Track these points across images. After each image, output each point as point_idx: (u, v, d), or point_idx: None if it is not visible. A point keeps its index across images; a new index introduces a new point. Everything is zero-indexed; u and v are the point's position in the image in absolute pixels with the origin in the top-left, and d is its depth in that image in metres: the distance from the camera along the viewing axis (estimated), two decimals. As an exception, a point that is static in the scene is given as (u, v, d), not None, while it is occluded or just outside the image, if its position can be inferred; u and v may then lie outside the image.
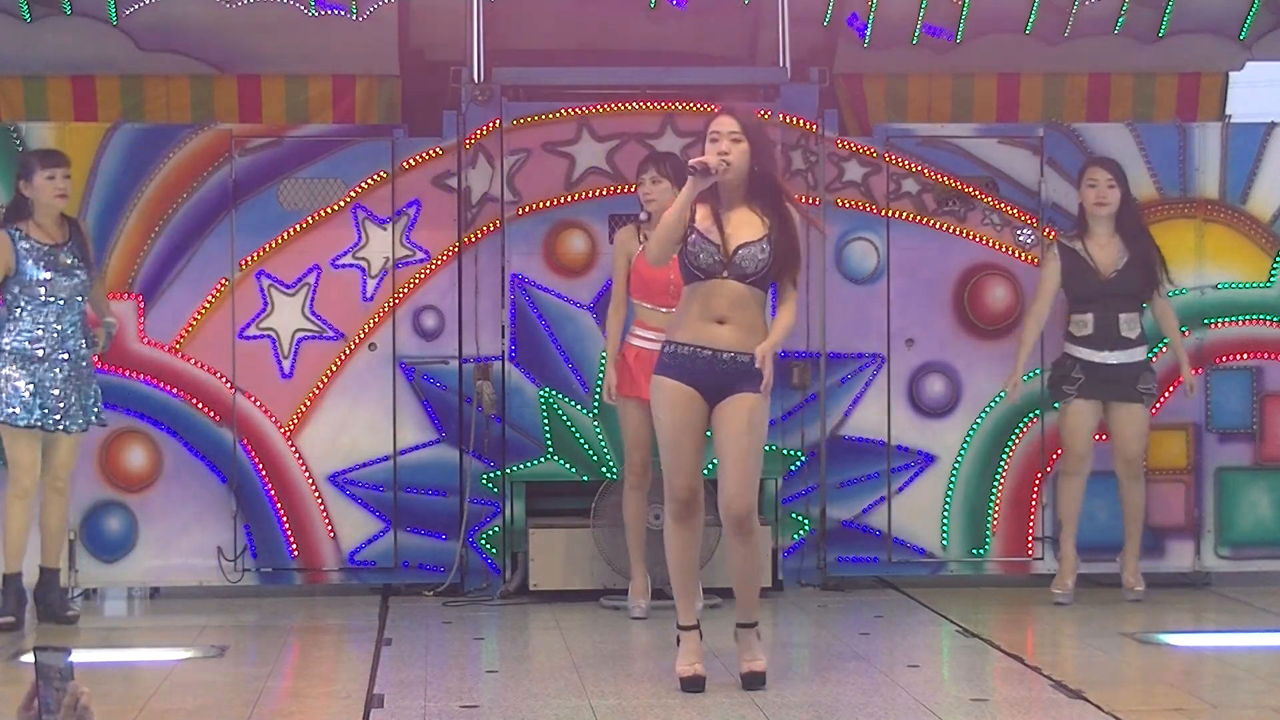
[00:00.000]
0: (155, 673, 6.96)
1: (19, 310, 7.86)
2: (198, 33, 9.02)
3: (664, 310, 7.93)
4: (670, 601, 8.06)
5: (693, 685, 6.43)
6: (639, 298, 8.03)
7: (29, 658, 3.52)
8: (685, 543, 6.53)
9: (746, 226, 6.38)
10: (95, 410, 8.00)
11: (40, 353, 7.82)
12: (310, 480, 8.63)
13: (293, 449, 8.63)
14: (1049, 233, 8.83)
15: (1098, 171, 8.46)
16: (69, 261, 7.92)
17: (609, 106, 8.67)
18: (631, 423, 8.05)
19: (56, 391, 7.82)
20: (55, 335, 7.86)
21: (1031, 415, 8.85)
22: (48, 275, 7.86)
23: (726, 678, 6.61)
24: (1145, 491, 8.56)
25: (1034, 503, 8.85)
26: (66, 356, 7.87)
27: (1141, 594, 8.44)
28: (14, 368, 7.81)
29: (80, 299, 7.96)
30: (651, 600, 8.14)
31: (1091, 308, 8.40)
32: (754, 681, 6.45)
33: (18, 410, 7.76)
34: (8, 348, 7.83)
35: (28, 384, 7.78)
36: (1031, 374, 8.81)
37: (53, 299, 7.87)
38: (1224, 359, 8.93)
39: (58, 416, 7.82)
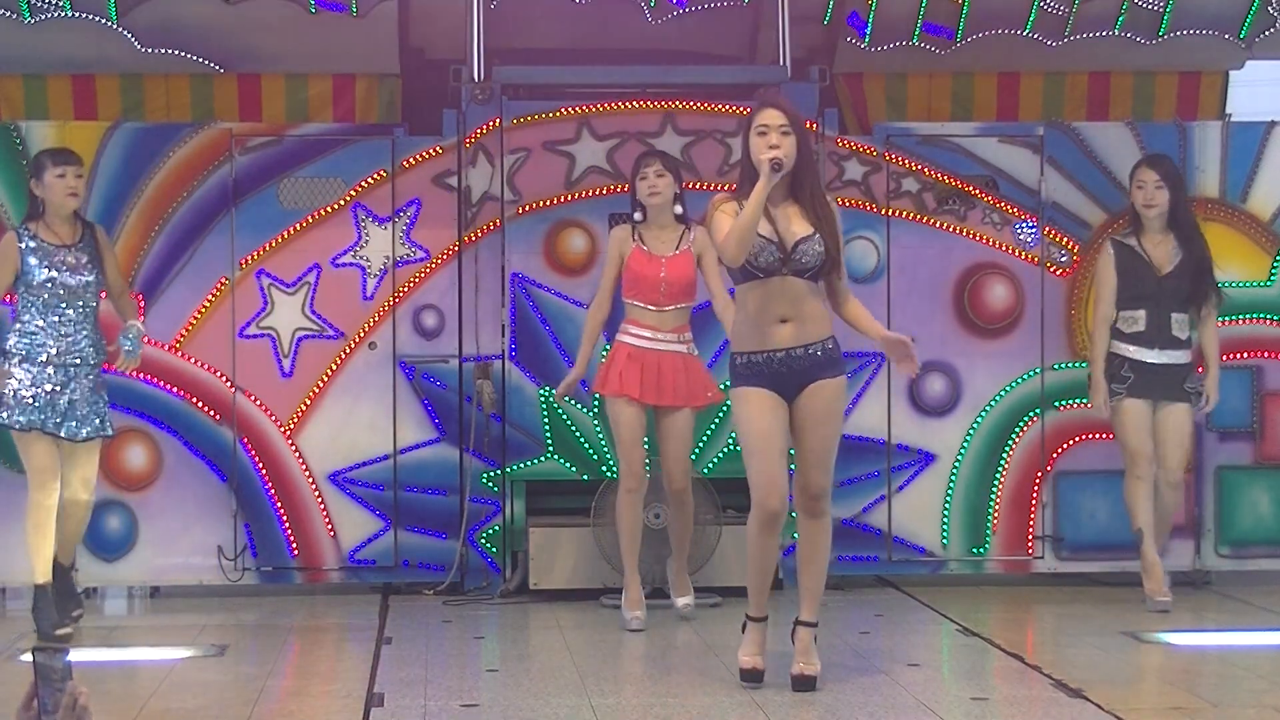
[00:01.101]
0: (155, 672, 6.96)
1: (26, 311, 7.80)
2: (198, 32, 9.02)
3: (654, 309, 7.90)
4: (667, 601, 8.09)
5: (751, 677, 6.43)
6: (631, 296, 7.98)
7: (29, 658, 3.51)
8: (769, 549, 6.49)
9: (797, 221, 6.35)
10: (103, 417, 7.87)
11: (44, 355, 7.72)
12: (310, 479, 8.63)
13: (293, 448, 8.63)
14: (1049, 232, 8.83)
15: (1146, 172, 8.40)
16: (73, 261, 7.79)
17: (609, 105, 8.67)
18: (624, 423, 7.90)
19: (59, 394, 7.71)
20: (61, 338, 7.76)
21: (1031, 415, 8.84)
22: (53, 275, 7.75)
23: (726, 676, 6.61)
24: (1180, 502, 8.48)
25: (1034, 502, 8.84)
26: (76, 360, 7.75)
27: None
28: (17, 369, 7.75)
29: (90, 302, 7.83)
30: (649, 600, 8.01)
31: (1145, 305, 8.33)
32: (804, 685, 6.39)
33: (14, 413, 7.67)
34: (11, 349, 7.80)
35: (28, 387, 7.73)
36: (1029, 374, 8.82)
37: (59, 300, 7.79)
38: (1224, 358, 8.90)
39: (58, 419, 7.70)
